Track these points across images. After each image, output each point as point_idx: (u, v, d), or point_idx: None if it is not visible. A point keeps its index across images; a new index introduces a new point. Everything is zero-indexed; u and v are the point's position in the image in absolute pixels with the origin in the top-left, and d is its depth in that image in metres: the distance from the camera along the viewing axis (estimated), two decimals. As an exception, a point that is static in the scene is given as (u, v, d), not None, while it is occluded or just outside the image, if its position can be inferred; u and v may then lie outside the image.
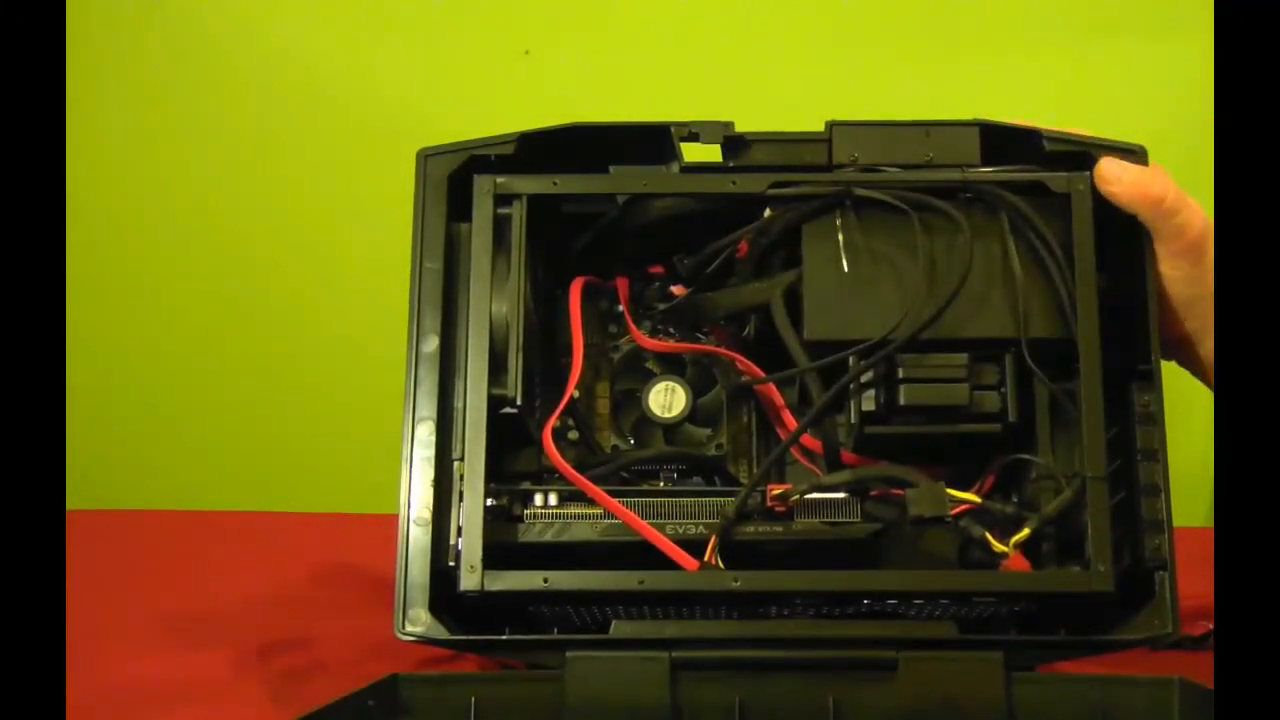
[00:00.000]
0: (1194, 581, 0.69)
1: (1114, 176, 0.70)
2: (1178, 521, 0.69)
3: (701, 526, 0.69)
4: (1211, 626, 0.77)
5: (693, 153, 0.73)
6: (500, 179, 0.71)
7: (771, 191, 0.71)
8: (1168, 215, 0.70)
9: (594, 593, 0.67)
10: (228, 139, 1.32)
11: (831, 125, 0.72)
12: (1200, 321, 0.72)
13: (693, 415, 0.76)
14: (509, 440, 0.71)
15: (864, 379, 0.70)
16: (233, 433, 1.36)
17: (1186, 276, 0.71)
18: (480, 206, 0.71)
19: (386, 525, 0.70)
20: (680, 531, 0.69)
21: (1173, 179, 0.70)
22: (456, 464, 0.69)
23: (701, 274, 0.74)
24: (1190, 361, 0.75)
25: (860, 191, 0.70)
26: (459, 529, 0.68)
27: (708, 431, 0.76)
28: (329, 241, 1.33)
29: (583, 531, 0.69)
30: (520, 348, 0.69)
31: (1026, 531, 0.67)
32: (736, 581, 0.67)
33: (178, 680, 0.79)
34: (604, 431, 0.76)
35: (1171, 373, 0.73)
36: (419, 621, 0.67)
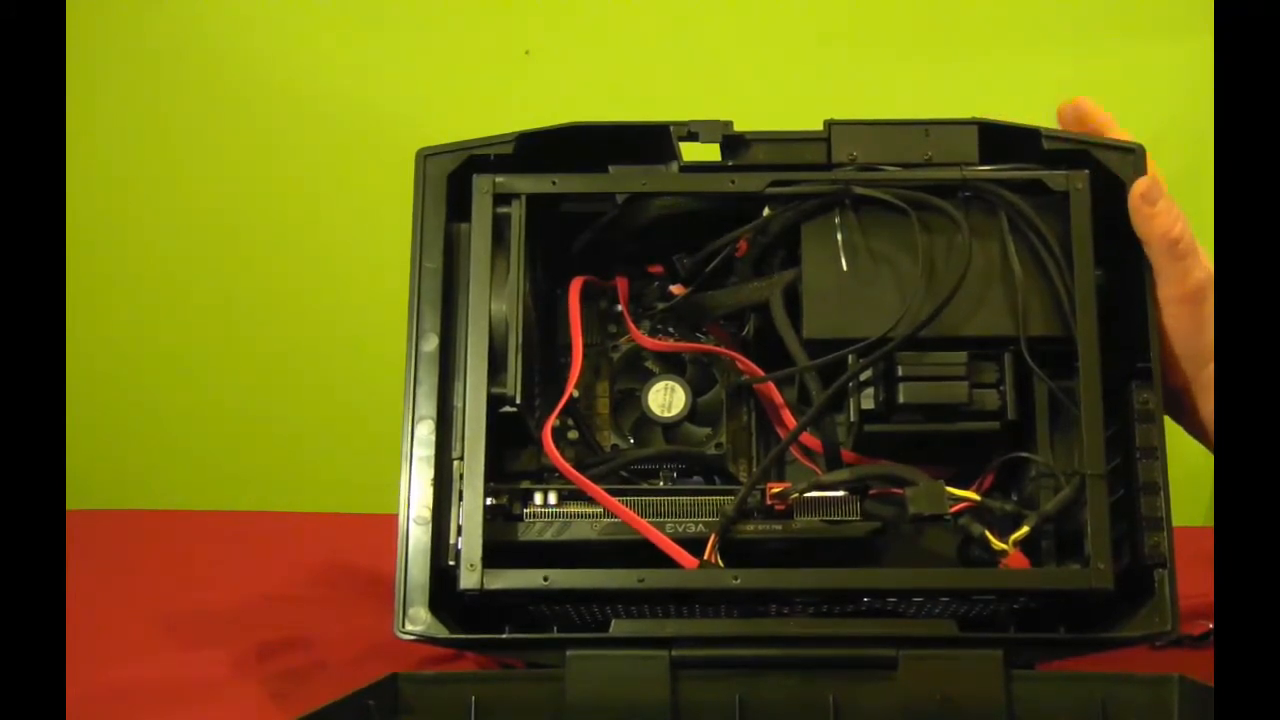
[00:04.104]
0: (1194, 581, 0.69)
1: (1154, 198, 0.69)
2: (1178, 521, 0.69)
3: (701, 525, 0.69)
4: (1211, 625, 0.77)
5: (692, 152, 0.73)
6: (499, 178, 0.71)
7: (770, 190, 0.71)
8: (1177, 257, 0.69)
9: (594, 591, 0.67)
10: (228, 139, 1.32)
11: (830, 124, 0.72)
12: (1195, 372, 0.71)
13: (692, 414, 0.76)
14: (509, 439, 0.71)
15: (863, 377, 0.70)
16: (232, 433, 1.36)
17: (1184, 328, 0.70)
18: (479, 206, 0.71)
19: (386, 525, 0.70)
20: (680, 530, 0.69)
21: (1190, 227, 0.70)
22: (456, 463, 0.69)
23: (701, 273, 0.74)
24: (1187, 419, 0.73)
25: (859, 190, 0.70)
26: (459, 528, 0.68)
27: (707, 430, 0.76)
28: (329, 241, 1.33)
29: (582, 530, 0.69)
30: (520, 347, 0.69)
31: (1026, 529, 0.67)
32: (736, 580, 0.67)
33: (178, 680, 0.79)
34: (604, 431, 0.76)
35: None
36: (419, 621, 0.67)
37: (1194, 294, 0.69)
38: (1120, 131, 0.74)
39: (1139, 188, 0.70)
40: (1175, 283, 0.69)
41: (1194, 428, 0.73)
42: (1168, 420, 0.71)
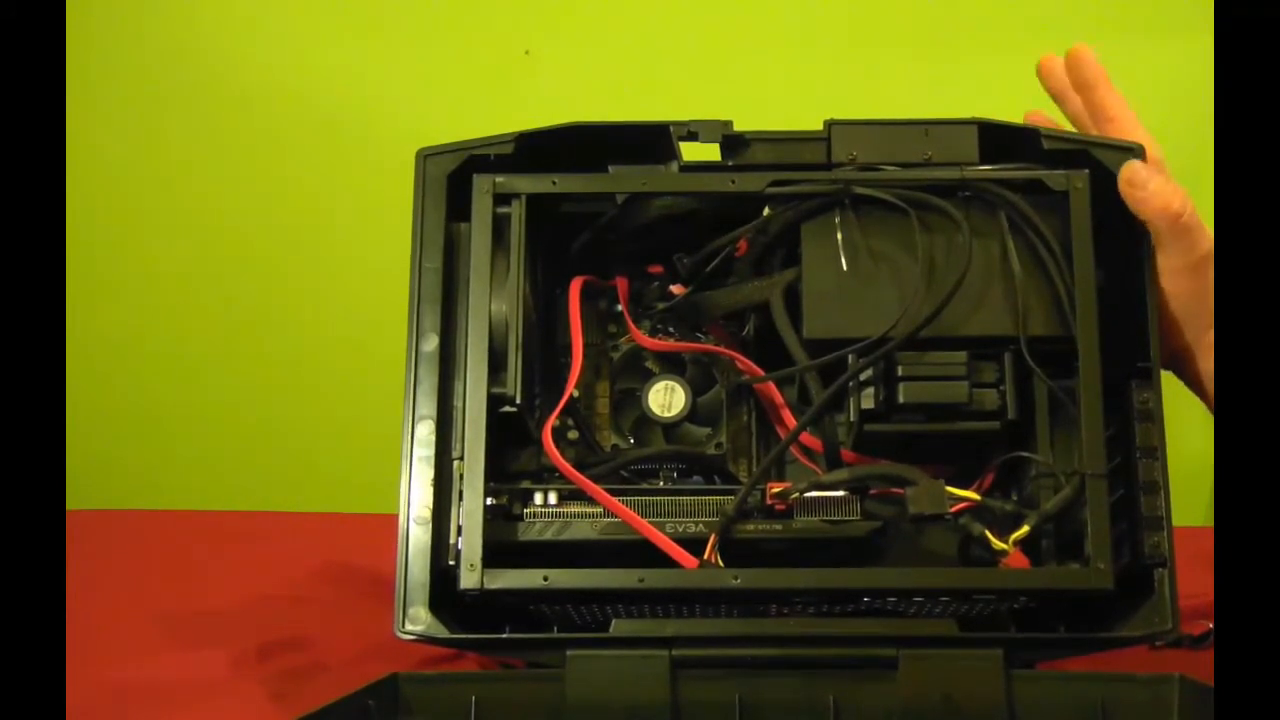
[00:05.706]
0: (1194, 581, 0.69)
1: (1140, 181, 0.69)
2: (1177, 521, 0.69)
3: (701, 525, 0.69)
4: (1211, 625, 0.77)
5: (692, 152, 0.73)
6: (499, 178, 0.71)
7: (770, 190, 0.71)
8: (1180, 232, 0.69)
9: (594, 591, 0.67)
10: (229, 139, 1.32)
11: (830, 124, 0.73)
12: (1197, 335, 0.71)
13: (692, 414, 0.76)
14: (509, 439, 0.71)
15: (863, 377, 0.70)
16: (232, 433, 1.37)
17: (1186, 293, 0.70)
18: (479, 206, 0.71)
19: (386, 525, 0.70)
20: (680, 530, 0.69)
21: (1191, 200, 0.70)
22: (456, 463, 0.69)
23: (701, 273, 0.74)
24: (1188, 375, 0.74)
25: (859, 190, 0.70)
26: (459, 528, 0.68)
27: (707, 430, 0.76)
28: (329, 242, 1.33)
29: (583, 530, 0.69)
30: (520, 347, 0.69)
31: (1026, 529, 0.67)
32: (736, 579, 0.67)
33: (177, 680, 0.79)
34: (604, 431, 0.76)
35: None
36: (419, 620, 0.67)
37: (1200, 263, 0.69)
38: (1112, 90, 0.76)
39: (1123, 174, 0.70)
40: (1180, 255, 0.70)
41: (1195, 384, 0.74)
42: (1167, 421, 0.71)
